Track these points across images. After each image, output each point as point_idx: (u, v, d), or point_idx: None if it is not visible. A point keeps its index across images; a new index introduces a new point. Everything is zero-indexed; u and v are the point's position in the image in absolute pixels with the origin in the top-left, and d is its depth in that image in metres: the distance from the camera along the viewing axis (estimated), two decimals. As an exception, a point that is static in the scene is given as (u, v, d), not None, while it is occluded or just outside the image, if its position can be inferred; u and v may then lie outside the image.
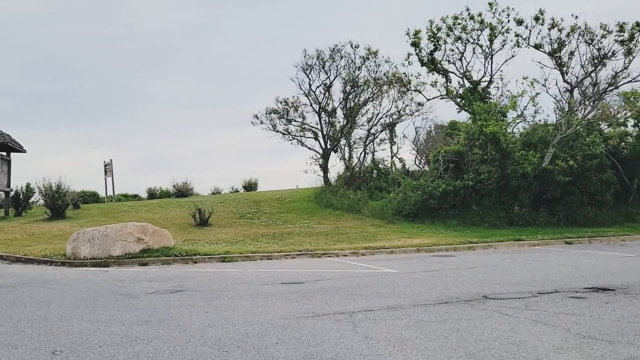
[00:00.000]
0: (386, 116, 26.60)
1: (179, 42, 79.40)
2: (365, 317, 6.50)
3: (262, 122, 26.66)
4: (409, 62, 23.56)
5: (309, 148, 27.23)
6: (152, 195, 34.61)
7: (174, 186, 30.56)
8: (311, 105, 26.95)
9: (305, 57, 26.51)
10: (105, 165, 29.07)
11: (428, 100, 25.21)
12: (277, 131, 26.88)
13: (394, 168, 26.55)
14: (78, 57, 73.50)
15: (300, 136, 27.10)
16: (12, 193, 23.22)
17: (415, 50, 22.91)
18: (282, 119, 26.59)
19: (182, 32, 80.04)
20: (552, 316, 6.34)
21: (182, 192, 30.03)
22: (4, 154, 22.39)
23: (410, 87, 24.43)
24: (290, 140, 27.12)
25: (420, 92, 24.62)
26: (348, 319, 6.37)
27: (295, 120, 26.92)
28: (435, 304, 7.23)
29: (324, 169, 26.81)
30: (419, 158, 27.41)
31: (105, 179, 29.52)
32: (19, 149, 23.44)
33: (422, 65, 23.24)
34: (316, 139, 26.97)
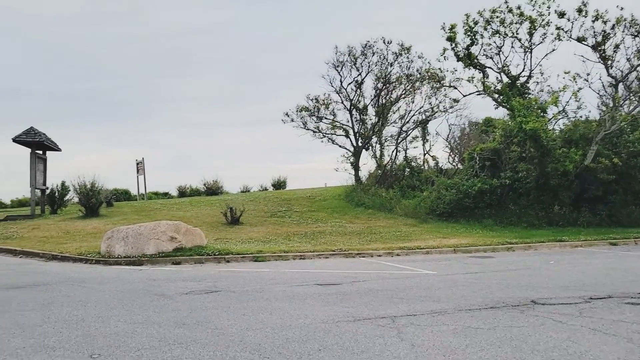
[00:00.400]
0: (419, 113, 26.12)
1: (204, 41, 79.98)
2: (408, 322, 6.21)
3: (292, 120, 26.47)
4: (444, 57, 22.98)
5: (340, 146, 26.96)
6: (182, 193, 34.87)
7: (204, 184, 30.70)
8: (342, 102, 26.65)
9: (336, 53, 26.19)
10: (137, 164, 29.35)
11: (464, 96, 24.61)
12: (308, 129, 26.66)
13: (426, 166, 26.05)
14: (107, 57, 74.66)
15: (331, 134, 26.83)
16: (47, 191, 23.62)
17: (451, 45, 22.33)
18: (313, 117, 26.35)
19: (207, 30, 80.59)
20: (610, 324, 5.93)
21: (213, 190, 30.13)
22: (40, 152, 22.76)
23: (444, 83, 23.90)
24: (321, 138, 26.88)
25: (455, 88, 24.03)
26: (391, 324, 6.09)
27: (326, 118, 26.64)
28: (482, 308, 6.88)
29: (355, 167, 26.48)
30: (453, 156, 26.86)
31: (138, 177, 29.82)
32: (54, 148, 23.80)
33: (458, 60, 22.65)
34: (347, 136, 26.66)
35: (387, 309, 6.97)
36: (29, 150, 21.97)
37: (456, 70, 23.85)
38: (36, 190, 22.57)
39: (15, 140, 21.55)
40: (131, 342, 5.37)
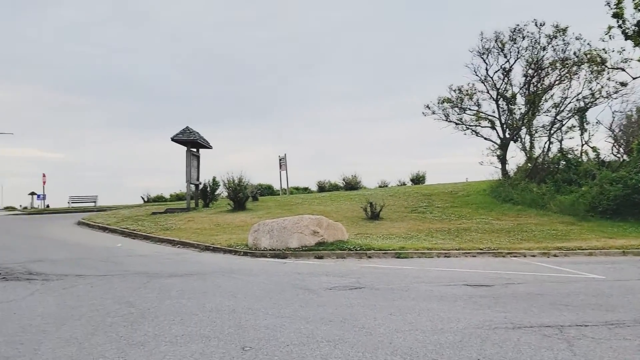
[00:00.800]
0: (576, 100, 23.65)
1: (344, 38, 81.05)
2: (579, 333, 5.42)
3: (433, 112, 25.54)
4: (609, 36, 20.46)
5: (485, 138, 25.41)
6: (321, 188, 35.64)
7: (343, 179, 31.00)
8: (488, 92, 25.09)
9: (482, 40, 24.70)
10: (280, 160, 30.53)
11: (633, 79, 21.76)
12: (450, 121, 25.53)
13: (585, 158, 23.53)
14: (250, 60, 79.10)
15: (475, 125, 25.43)
16: (201, 186, 25.48)
17: (618, 22, 19.81)
18: (456, 108, 25.19)
19: (347, 27, 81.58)
20: None
21: (351, 185, 30.30)
22: (194, 150, 24.58)
23: (607, 65, 21.33)
24: (464, 130, 25.61)
25: (622, 70, 21.29)
26: (558, 335, 5.37)
27: (469, 109, 25.31)
28: (673, 323, 5.82)
29: (502, 160, 24.82)
30: (617, 146, 23.95)
31: (280, 172, 31.05)
32: (206, 146, 25.57)
33: (626, 39, 20.00)
34: (493, 128, 25.06)
35: (550, 316, 6.20)
36: (185, 148, 23.84)
37: (624, 50, 21.08)
38: (191, 185, 24.43)
39: (173, 139, 23.51)
40: (280, 336, 5.32)
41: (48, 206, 44.94)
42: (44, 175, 41.85)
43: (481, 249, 12.95)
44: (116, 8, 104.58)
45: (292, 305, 6.83)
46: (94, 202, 43.97)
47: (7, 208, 53.47)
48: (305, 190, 39.69)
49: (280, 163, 30.58)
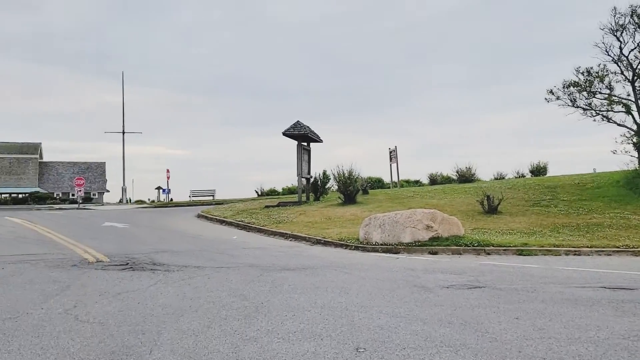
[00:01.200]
0: None
1: (448, 28, 78.15)
2: None
3: (558, 98, 23.48)
4: None
5: (619, 124, 22.84)
6: (433, 181, 34.57)
7: (456, 171, 29.76)
8: (622, 73, 22.49)
9: (614, 16, 22.20)
10: (390, 152, 30.01)
11: None
12: (577, 107, 23.30)
13: None
14: (356, 53, 78.94)
15: (607, 111, 23.03)
16: (311, 179, 25.76)
17: None
18: (584, 92, 22.95)
19: (456, 16, 78.53)
20: None
21: (465, 177, 29.01)
22: (305, 144, 24.87)
23: None
24: (593, 116, 23.27)
25: None
26: None
27: (600, 92, 22.95)
28: None
29: (639, 148, 22.26)
30: None
31: (390, 165, 30.52)
32: (317, 139, 25.79)
33: None
34: (628, 112, 22.44)
35: None
36: (296, 142, 24.21)
37: None
38: (302, 179, 24.77)
39: (284, 133, 23.97)
40: (395, 338, 5.00)
41: (172, 200, 48.26)
42: (167, 171, 45.00)
43: (618, 247, 11.62)
44: (229, 11, 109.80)
45: (407, 304, 6.47)
46: (212, 195, 46.46)
47: (137, 201, 58.31)
48: (416, 183, 38.79)
49: (390, 155, 30.07)
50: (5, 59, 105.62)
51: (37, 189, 64.95)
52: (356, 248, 12.79)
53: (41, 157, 74.28)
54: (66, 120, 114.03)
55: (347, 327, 5.37)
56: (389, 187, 32.68)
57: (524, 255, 11.40)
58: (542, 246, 11.83)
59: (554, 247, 11.77)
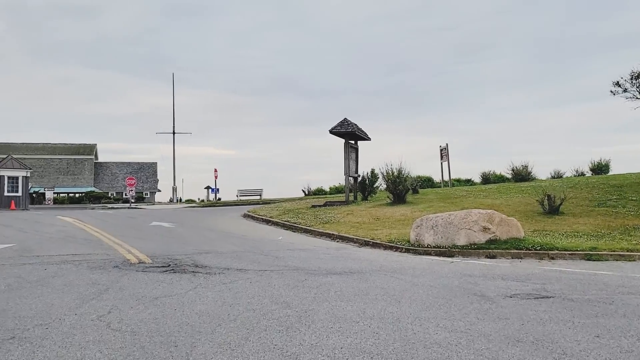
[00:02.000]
0: None
1: (496, 24, 75.54)
2: None
3: (625, 90, 21.81)
4: None
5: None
6: (485, 179, 33.23)
7: (511, 170, 28.36)
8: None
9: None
10: (441, 150, 28.98)
11: None
12: (648, 99, 21.58)
13: None
14: (404, 52, 77.58)
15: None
16: (359, 178, 25.11)
17: None
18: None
19: (505, 11, 75.86)
20: None
21: (521, 176, 27.60)
22: (352, 142, 24.26)
23: None
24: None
25: None
26: None
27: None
28: None
29: None
30: None
31: (441, 163, 29.48)
32: (364, 137, 25.12)
33: None
34: None
35: None
36: (343, 140, 23.62)
37: None
38: (349, 178, 24.17)
39: (331, 131, 23.43)
40: (456, 358, 4.35)
41: (219, 199, 48.68)
42: (215, 171, 45.36)
43: (701, 253, 10.45)
44: (278, 14, 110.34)
45: (466, 317, 5.78)
46: (259, 195, 46.52)
47: (187, 201, 59.25)
48: (468, 182, 37.44)
49: (441, 153, 29.02)
50: (67, 64, 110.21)
51: (93, 189, 67.16)
52: (407, 250, 12.10)
53: (96, 157, 76.85)
54: (120, 122, 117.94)
55: (401, 344, 4.76)
56: (439, 186, 31.62)
57: (593, 260, 10.41)
58: (614, 250, 10.79)
59: (627, 251, 10.71)
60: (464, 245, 11.51)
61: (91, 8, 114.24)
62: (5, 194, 38.34)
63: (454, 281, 8.11)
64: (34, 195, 55.53)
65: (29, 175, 40.87)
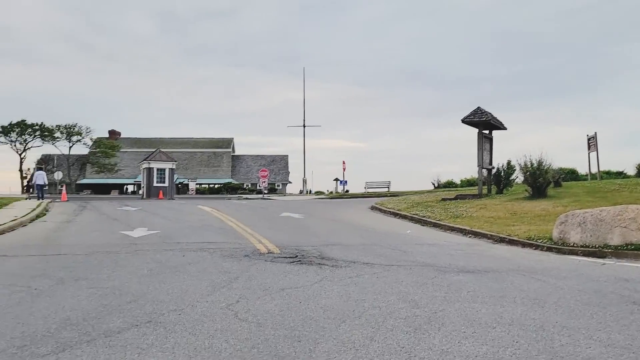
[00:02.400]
0: None
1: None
2: None
3: None
4: None
5: None
6: (642, 172, 29.57)
7: (674, 161, 24.89)
8: None
9: None
10: (589, 139, 26.34)
11: None
12: None
13: None
14: (545, 35, 71.74)
15: None
16: (493, 170, 23.68)
17: None
18: None
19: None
20: None
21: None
22: (486, 132, 22.92)
23: None
24: None
25: None
26: None
27: None
28: None
29: None
30: None
31: (589, 154, 26.80)
32: (500, 127, 23.61)
33: None
34: None
35: None
36: (476, 130, 22.39)
37: None
38: (483, 169, 22.88)
39: (464, 121, 22.32)
40: (617, 380, 3.69)
41: (347, 191, 49.15)
42: (343, 163, 45.75)
43: None
44: (410, 3, 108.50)
45: (626, 329, 4.98)
46: (387, 187, 46.20)
47: (317, 192, 60.75)
48: (620, 174, 33.70)
49: (589, 143, 26.34)
50: (209, 64, 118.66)
51: (230, 180, 71.63)
52: (549, 249, 11.02)
53: (233, 150, 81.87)
54: (255, 116, 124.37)
55: (546, 356, 4.18)
56: (585, 179, 28.79)
57: None
58: None
59: None
60: (618, 245, 10.19)
61: (230, 10, 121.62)
62: (155, 184, 42.17)
63: (608, 286, 7.13)
64: (179, 185, 60.57)
65: (174, 167, 44.54)
